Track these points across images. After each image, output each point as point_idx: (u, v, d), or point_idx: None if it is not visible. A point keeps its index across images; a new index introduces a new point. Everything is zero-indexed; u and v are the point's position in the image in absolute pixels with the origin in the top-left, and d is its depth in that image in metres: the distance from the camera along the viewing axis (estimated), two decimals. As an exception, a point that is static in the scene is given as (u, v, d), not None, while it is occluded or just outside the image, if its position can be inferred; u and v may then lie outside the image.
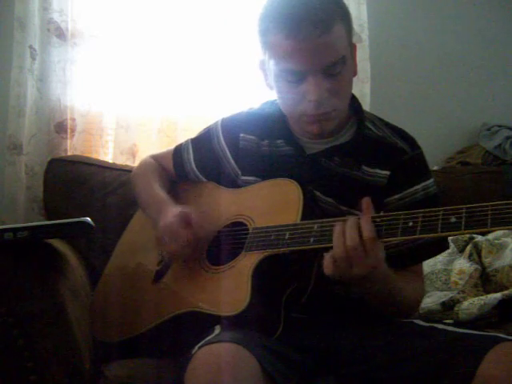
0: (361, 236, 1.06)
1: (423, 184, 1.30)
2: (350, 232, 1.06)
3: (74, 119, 2.09)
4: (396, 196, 1.28)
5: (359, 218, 1.08)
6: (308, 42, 1.14)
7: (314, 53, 1.15)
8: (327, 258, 1.08)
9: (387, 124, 1.37)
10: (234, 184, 1.39)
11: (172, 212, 1.30)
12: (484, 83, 2.53)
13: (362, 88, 2.26)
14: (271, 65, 1.23)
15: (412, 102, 2.46)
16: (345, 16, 1.21)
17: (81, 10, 2.10)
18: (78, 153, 2.08)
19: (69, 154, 2.07)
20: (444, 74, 2.50)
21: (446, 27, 2.51)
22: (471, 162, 2.36)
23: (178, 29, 2.18)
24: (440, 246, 1.33)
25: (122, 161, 2.10)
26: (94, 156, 2.10)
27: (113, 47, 2.11)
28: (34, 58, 2.02)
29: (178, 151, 1.52)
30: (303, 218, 1.18)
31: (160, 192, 1.43)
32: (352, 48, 1.25)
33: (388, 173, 1.28)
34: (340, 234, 1.07)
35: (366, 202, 1.10)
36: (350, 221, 1.08)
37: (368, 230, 1.05)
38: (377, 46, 2.33)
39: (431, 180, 1.31)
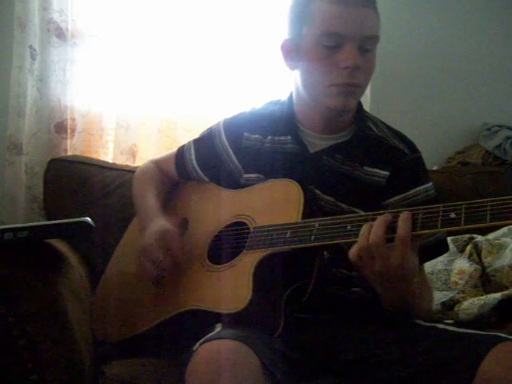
0: (387, 234, 1.04)
1: (424, 186, 1.31)
2: (376, 228, 1.05)
3: (74, 119, 2.09)
4: (397, 197, 1.29)
5: (393, 216, 1.06)
6: (355, 8, 1.22)
7: (358, 20, 1.22)
8: (353, 249, 1.08)
9: (388, 126, 1.39)
10: (236, 183, 1.40)
11: (152, 230, 1.32)
12: (484, 83, 2.53)
13: (362, 88, 2.25)
14: (309, 33, 1.25)
15: (412, 102, 2.46)
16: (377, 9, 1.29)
17: (81, 10, 2.10)
18: (78, 153, 2.08)
19: (69, 153, 2.07)
20: (444, 74, 2.50)
21: (446, 27, 2.51)
22: (471, 162, 2.36)
23: (178, 29, 2.17)
24: (440, 248, 1.33)
25: (122, 161, 2.10)
26: (94, 156, 2.10)
27: (113, 47, 2.11)
28: (33, 58, 2.02)
29: (181, 152, 1.53)
30: (303, 217, 1.19)
31: (152, 203, 1.44)
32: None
33: (387, 173, 1.30)
34: (366, 229, 1.06)
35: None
36: (379, 218, 1.07)
37: (403, 228, 1.04)
38: (377, 46, 2.33)
39: (431, 183, 1.33)
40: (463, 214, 0.99)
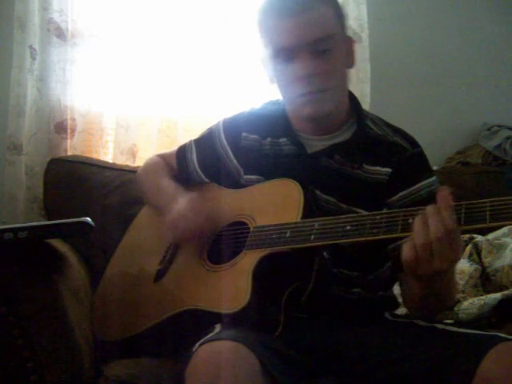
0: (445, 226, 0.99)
1: (427, 181, 1.30)
2: (433, 221, 1.00)
3: (74, 119, 2.09)
4: (401, 194, 1.29)
5: (439, 208, 1.01)
6: (293, 18, 1.22)
7: (300, 28, 1.22)
8: (407, 247, 1.02)
9: (387, 124, 1.39)
10: (236, 184, 1.40)
11: (187, 197, 1.33)
12: (484, 83, 2.53)
13: (362, 88, 2.26)
14: (268, 51, 1.28)
15: (412, 102, 2.46)
16: (332, 1, 1.29)
17: (81, 10, 2.10)
18: (78, 153, 2.08)
19: (69, 153, 2.07)
20: (444, 74, 2.50)
21: (446, 27, 2.51)
22: (471, 162, 2.36)
23: (178, 29, 2.18)
24: None
25: (122, 161, 2.10)
26: (94, 156, 2.10)
27: (113, 47, 2.11)
28: (34, 58, 2.02)
29: (182, 152, 1.53)
30: (303, 217, 1.18)
31: (171, 182, 1.44)
32: (344, 35, 1.30)
33: (389, 170, 1.29)
34: (423, 224, 1.01)
35: (441, 194, 1.03)
36: (431, 210, 1.01)
37: (451, 220, 0.99)
38: (377, 46, 2.33)
39: (434, 178, 1.32)
40: (463, 215, 0.99)
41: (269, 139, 1.38)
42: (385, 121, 1.40)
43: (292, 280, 1.18)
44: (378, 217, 1.08)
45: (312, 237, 1.13)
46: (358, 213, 1.25)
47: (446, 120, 2.51)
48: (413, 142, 1.35)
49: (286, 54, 1.24)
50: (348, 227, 1.11)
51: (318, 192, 1.29)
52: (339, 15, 1.29)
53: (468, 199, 1.01)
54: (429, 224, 1.00)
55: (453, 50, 2.51)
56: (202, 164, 1.49)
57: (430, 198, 1.23)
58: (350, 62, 1.31)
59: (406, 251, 1.02)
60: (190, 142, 1.53)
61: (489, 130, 2.43)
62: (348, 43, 1.31)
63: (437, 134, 2.46)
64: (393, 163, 1.30)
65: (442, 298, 1.18)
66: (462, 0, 2.54)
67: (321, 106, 1.26)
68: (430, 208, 1.02)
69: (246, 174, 1.39)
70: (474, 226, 0.98)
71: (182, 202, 1.33)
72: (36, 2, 2.02)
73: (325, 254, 1.22)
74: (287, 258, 1.17)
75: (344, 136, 1.33)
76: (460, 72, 2.51)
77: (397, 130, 1.37)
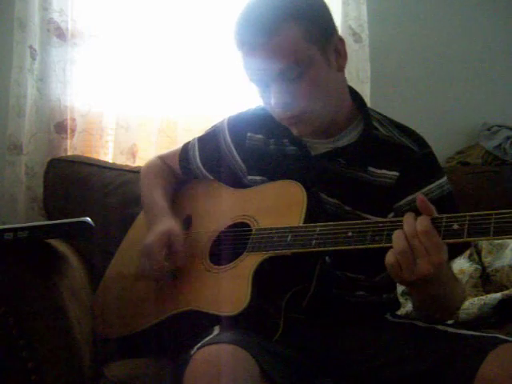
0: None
1: (437, 183, 1.23)
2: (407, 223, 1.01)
3: (74, 119, 2.09)
4: (409, 197, 1.22)
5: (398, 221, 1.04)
6: (254, 51, 1.15)
7: (262, 61, 1.15)
8: (388, 254, 1.03)
9: (395, 123, 1.32)
10: (239, 182, 1.39)
11: (157, 229, 1.30)
12: (484, 83, 2.53)
13: (362, 88, 2.26)
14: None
15: (412, 101, 2.46)
16: (302, 17, 1.15)
17: (81, 10, 2.10)
18: (78, 153, 2.08)
19: (69, 154, 2.07)
20: (444, 74, 2.50)
21: (446, 27, 2.51)
22: (471, 162, 2.36)
23: (178, 28, 2.18)
24: (457, 249, 1.22)
25: (122, 161, 2.10)
26: (94, 156, 2.10)
27: (113, 47, 2.11)
28: (34, 58, 2.02)
29: (185, 149, 1.52)
30: (307, 220, 1.17)
31: (159, 200, 1.43)
32: (327, 44, 1.18)
33: (396, 173, 1.24)
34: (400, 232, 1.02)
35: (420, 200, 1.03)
36: (407, 218, 1.03)
37: (422, 225, 1.00)
38: (377, 46, 2.33)
39: (445, 178, 1.26)
40: (466, 226, 0.97)
41: (273, 139, 1.36)
42: (393, 120, 1.33)
43: (292, 284, 1.18)
44: (381, 224, 1.06)
45: (313, 242, 1.12)
46: (363, 216, 1.23)
47: (446, 120, 2.51)
48: (421, 143, 1.28)
49: (258, 84, 1.20)
50: (350, 234, 1.08)
51: (322, 194, 1.27)
52: (313, 31, 1.15)
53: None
54: (405, 232, 1.01)
55: (453, 50, 2.50)
56: (204, 161, 1.48)
57: (440, 200, 1.19)
58: (341, 64, 1.22)
59: (387, 258, 1.03)
60: (194, 139, 1.53)
61: (489, 129, 2.42)
62: (338, 45, 1.21)
63: (437, 133, 2.44)
64: (400, 166, 1.24)
65: (441, 302, 1.15)
66: (463, 0, 2.54)
67: (303, 127, 1.22)
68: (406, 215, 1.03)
69: (249, 174, 1.37)
70: (477, 239, 0.96)
71: (150, 235, 1.30)
72: (36, 2, 2.02)
73: (326, 258, 1.21)
74: (288, 262, 1.16)
75: (349, 138, 1.28)
76: (460, 72, 2.51)
77: (404, 130, 1.30)
